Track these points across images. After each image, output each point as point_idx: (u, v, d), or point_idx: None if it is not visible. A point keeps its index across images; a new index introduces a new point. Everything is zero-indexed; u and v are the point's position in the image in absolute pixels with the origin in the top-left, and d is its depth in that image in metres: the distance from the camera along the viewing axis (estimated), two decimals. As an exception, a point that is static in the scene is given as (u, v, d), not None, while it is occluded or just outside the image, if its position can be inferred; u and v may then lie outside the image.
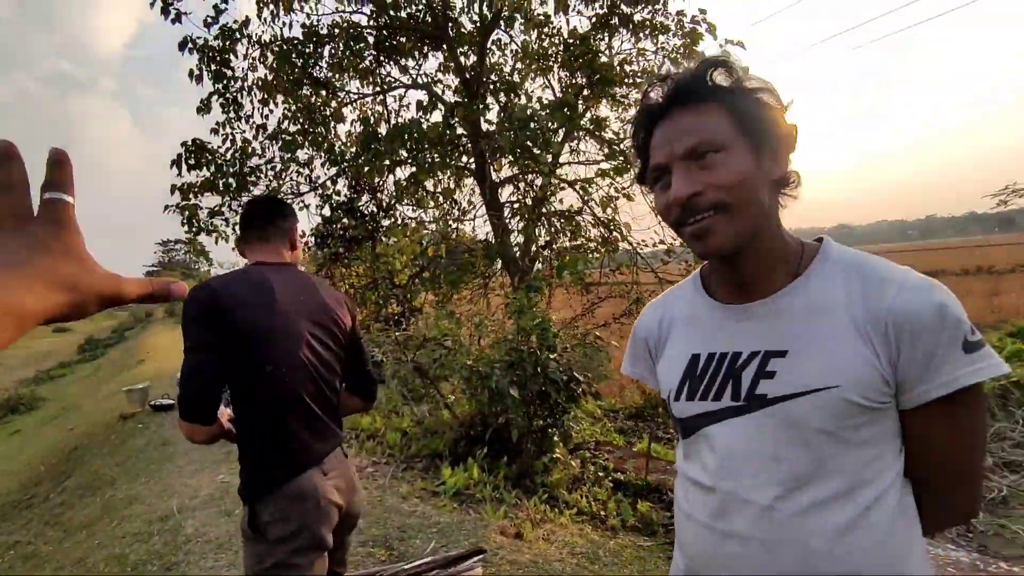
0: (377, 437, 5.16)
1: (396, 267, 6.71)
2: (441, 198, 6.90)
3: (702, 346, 0.83)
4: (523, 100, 5.93)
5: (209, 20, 5.46)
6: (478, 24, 6.10)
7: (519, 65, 6.62)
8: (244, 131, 6.10)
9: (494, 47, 6.64)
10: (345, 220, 6.36)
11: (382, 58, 6.31)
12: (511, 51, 6.74)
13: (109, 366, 18.45)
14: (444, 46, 6.16)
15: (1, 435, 11.22)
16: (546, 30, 6.35)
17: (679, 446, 0.91)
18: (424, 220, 7.05)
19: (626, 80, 5.69)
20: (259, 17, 5.76)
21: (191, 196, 5.63)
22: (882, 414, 0.71)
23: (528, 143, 4.65)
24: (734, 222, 0.72)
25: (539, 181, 6.12)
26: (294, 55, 5.67)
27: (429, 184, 6.53)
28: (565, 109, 4.91)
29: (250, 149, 6.06)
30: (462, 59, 6.21)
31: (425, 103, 5.92)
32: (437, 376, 4.98)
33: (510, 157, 5.13)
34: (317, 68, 5.95)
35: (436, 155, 5.38)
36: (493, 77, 6.46)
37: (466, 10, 6.23)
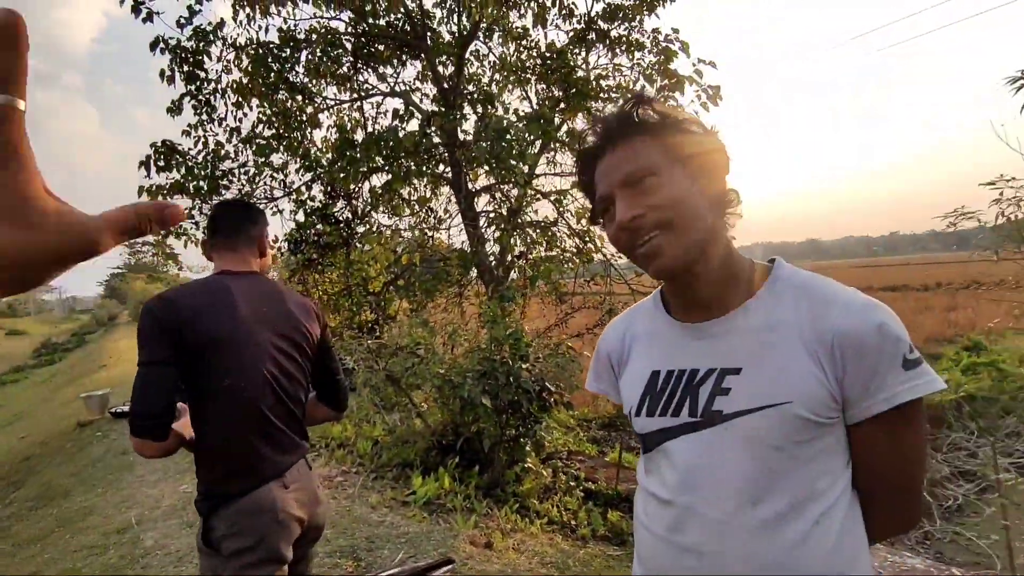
0: (348, 446, 5.09)
1: (370, 274, 6.65)
2: (417, 206, 6.89)
3: (662, 363, 0.86)
4: (500, 111, 5.98)
5: (182, 21, 5.38)
6: (457, 35, 6.15)
7: (497, 76, 6.70)
8: (217, 134, 6.00)
9: (472, 58, 6.71)
10: (319, 226, 6.29)
11: (360, 65, 6.30)
12: (489, 62, 6.82)
13: (67, 371, 17.79)
14: (422, 55, 6.19)
15: (-52, 443, 10.68)
16: (524, 43, 6.44)
17: (640, 460, 0.93)
18: (399, 228, 7.03)
19: (602, 95, 5.79)
20: (235, 20, 5.70)
21: (160, 198, 5.50)
22: (830, 429, 0.74)
23: (504, 154, 4.69)
24: (679, 239, 0.75)
25: (515, 192, 6.17)
26: (270, 59, 5.61)
27: (405, 192, 6.52)
28: (541, 121, 4.97)
29: (223, 152, 5.95)
30: (440, 69, 6.24)
31: (402, 111, 5.93)
32: (409, 385, 4.94)
33: (486, 167, 5.16)
34: (293, 73, 5.89)
35: (412, 163, 5.38)
36: (471, 88, 6.51)
37: (445, 20, 6.28)
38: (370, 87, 6.64)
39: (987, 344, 8.76)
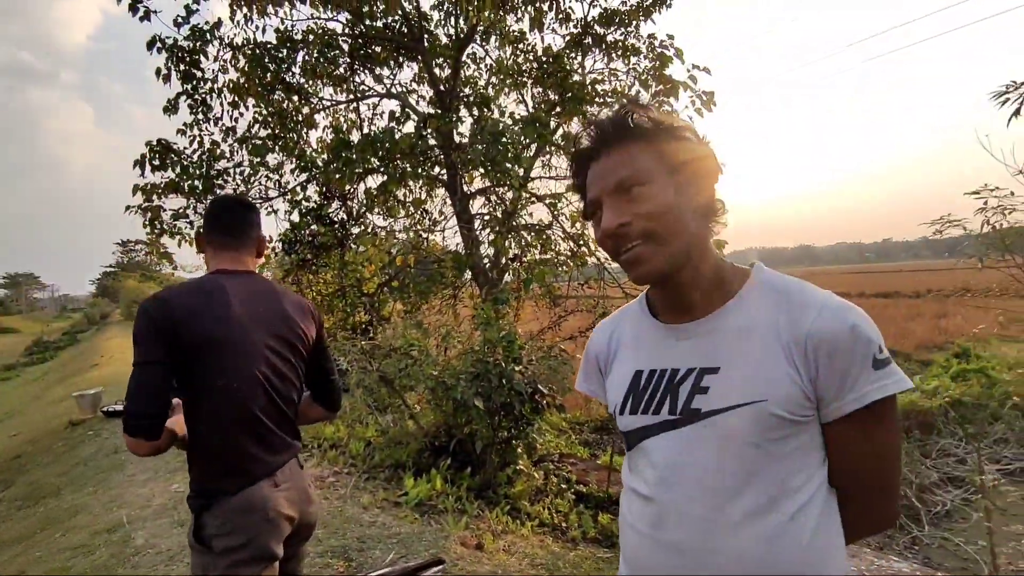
0: (340, 446, 5.09)
1: (365, 275, 6.65)
2: (412, 208, 6.90)
3: (645, 363, 0.88)
4: (496, 114, 6.00)
5: (180, 20, 5.38)
6: (453, 37, 6.17)
7: (493, 80, 6.72)
8: (212, 133, 5.98)
9: (469, 61, 6.73)
10: (314, 226, 6.29)
11: (356, 66, 6.31)
12: (486, 66, 6.84)
13: (59, 369, 17.67)
14: (419, 57, 6.21)
15: (-64, 441, 10.58)
16: (521, 46, 6.47)
17: (625, 459, 0.95)
18: (394, 229, 7.04)
19: (597, 99, 5.82)
20: (232, 20, 5.70)
21: (154, 197, 5.49)
22: (805, 427, 0.76)
23: (499, 157, 4.71)
24: (662, 249, 0.78)
25: (510, 195, 6.19)
26: (267, 59, 5.61)
27: (400, 193, 6.53)
28: (537, 125, 4.99)
29: (218, 152, 5.94)
30: (437, 71, 6.26)
31: (398, 113, 5.94)
32: (403, 386, 4.94)
33: (481, 170, 5.18)
34: (290, 73, 5.89)
35: (408, 165, 5.39)
36: (467, 90, 6.53)
37: (442, 23, 6.30)
38: (366, 88, 6.65)
39: (974, 351, 8.86)
